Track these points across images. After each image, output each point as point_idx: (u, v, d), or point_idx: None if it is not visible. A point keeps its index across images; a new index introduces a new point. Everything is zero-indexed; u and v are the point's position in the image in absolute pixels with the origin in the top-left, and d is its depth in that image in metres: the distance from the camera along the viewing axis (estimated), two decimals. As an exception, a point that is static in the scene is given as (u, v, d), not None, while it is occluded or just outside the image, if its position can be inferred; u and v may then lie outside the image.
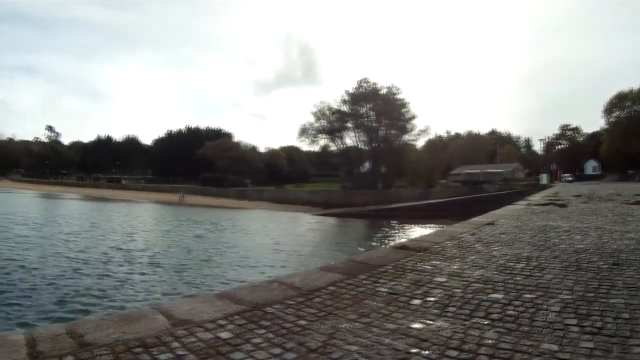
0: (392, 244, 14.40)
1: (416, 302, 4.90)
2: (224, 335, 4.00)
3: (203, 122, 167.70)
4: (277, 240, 29.27)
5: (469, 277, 5.92)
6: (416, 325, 4.11)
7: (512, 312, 4.44)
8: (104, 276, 16.15)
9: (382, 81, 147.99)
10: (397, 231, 39.42)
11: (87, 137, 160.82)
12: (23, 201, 59.62)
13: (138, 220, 41.55)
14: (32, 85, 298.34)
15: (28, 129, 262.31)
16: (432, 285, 5.52)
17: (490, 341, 3.68)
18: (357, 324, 4.19)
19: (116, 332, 4.26)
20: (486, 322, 4.17)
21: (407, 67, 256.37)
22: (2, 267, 16.77)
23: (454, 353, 3.46)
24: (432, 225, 38.30)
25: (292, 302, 4.95)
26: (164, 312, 4.80)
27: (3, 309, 11.64)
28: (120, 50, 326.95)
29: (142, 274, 16.94)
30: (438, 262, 6.84)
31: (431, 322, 4.19)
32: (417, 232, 36.33)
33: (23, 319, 10.74)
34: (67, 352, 3.88)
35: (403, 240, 12.81)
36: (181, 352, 3.66)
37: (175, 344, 3.84)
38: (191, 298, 6.39)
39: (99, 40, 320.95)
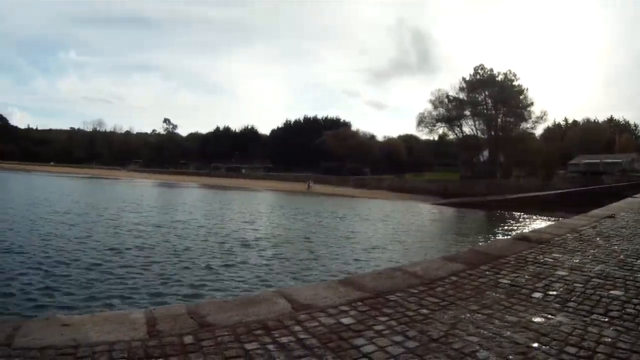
0: (512, 234, 14.02)
1: (537, 295, 4.84)
2: (346, 321, 4.08)
3: (320, 112, 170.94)
4: (397, 229, 29.07)
5: (589, 271, 5.77)
6: (537, 319, 4.08)
7: (631, 311, 4.31)
8: (222, 259, 16.59)
9: (498, 67, 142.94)
10: (516, 222, 38.23)
11: (205, 129, 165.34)
12: (141, 190, 62.46)
13: (262, 207, 42.58)
14: (148, 82, 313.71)
15: (145, 123, 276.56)
16: (553, 279, 5.43)
17: (608, 339, 3.61)
18: (478, 315, 4.21)
19: (238, 314, 4.41)
20: (605, 320, 4.08)
21: (520, 51, 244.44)
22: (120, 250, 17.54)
23: (572, 350, 3.42)
24: (552, 216, 36.90)
25: (415, 291, 4.98)
26: (286, 296, 4.93)
27: (129, 288, 12.14)
28: (236, 45, 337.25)
29: (263, 258, 17.24)
30: (559, 255, 6.69)
31: (551, 317, 4.14)
32: (536, 223, 35.17)
33: (141, 300, 11.10)
34: (187, 332, 4.06)
35: (523, 231, 12.42)
36: (303, 336, 3.76)
37: (297, 328, 3.96)
38: (314, 284, 6.48)
39: (214, 36, 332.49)
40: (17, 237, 19.07)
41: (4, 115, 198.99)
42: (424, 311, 4.27)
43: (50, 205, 34.17)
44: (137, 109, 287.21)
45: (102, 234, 20.95)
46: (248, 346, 3.60)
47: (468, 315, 4.16)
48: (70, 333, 4.44)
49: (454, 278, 5.43)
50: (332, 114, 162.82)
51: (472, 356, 3.32)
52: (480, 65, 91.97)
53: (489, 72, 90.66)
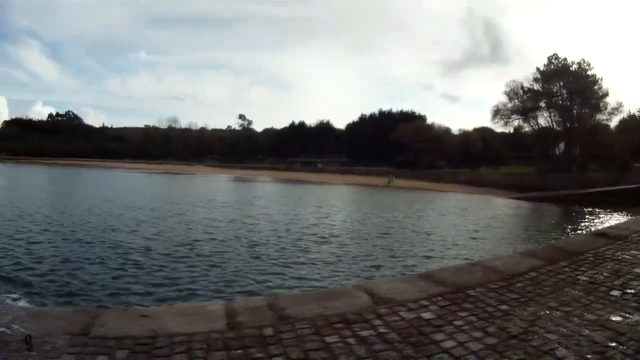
0: (589, 230, 13.64)
1: (615, 293, 4.74)
2: (426, 315, 4.10)
3: (394, 106, 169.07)
4: (474, 224, 28.54)
5: (668, 269, 5.56)
6: (615, 318, 4.00)
7: None
8: (298, 253, 16.61)
9: (571, 56, 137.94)
10: (592, 217, 36.91)
11: (279, 125, 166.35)
12: (216, 185, 63.38)
13: (339, 201, 42.51)
14: (219, 80, 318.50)
15: (219, 120, 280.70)
16: (631, 277, 5.29)
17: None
18: (557, 312, 4.17)
19: (317, 307, 4.47)
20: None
21: (592, 38, 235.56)
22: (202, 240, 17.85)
23: (649, 350, 3.33)
24: (629, 212, 35.63)
25: (494, 286, 4.97)
26: (367, 289, 4.98)
27: (206, 281, 12.33)
28: (306, 40, 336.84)
29: (341, 251, 17.22)
30: (637, 252, 6.46)
31: (629, 316, 4.06)
32: (613, 218, 34.04)
33: (217, 292, 11.24)
34: (267, 324, 4.13)
35: (601, 227, 12.08)
36: (383, 330, 3.79)
37: (377, 322, 3.99)
38: (393, 278, 6.49)
39: (283, 33, 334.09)
40: (98, 230, 19.85)
41: (79, 115, 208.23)
42: (504, 307, 4.26)
43: (125, 200, 35.23)
44: (209, 106, 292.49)
45: (181, 228, 21.39)
46: (328, 339, 3.64)
47: (547, 312, 4.12)
48: (149, 324, 4.60)
49: (533, 274, 5.38)
50: (406, 107, 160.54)
51: (550, 354, 3.30)
52: (554, 55, 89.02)
53: (562, 62, 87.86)
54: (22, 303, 9.65)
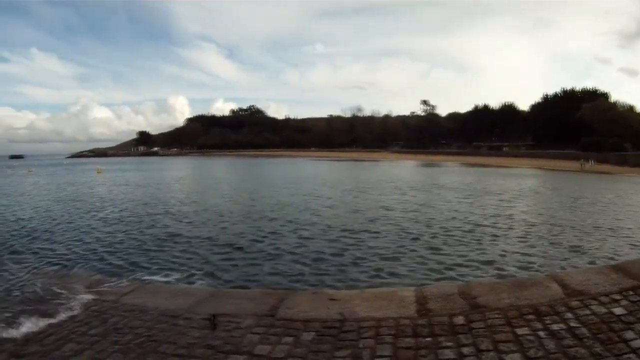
0: None
1: None
2: (618, 311, 3.97)
3: (574, 83, 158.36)
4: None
5: None
6: None
7: None
8: (485, 238, 16.04)
9: None
10: None
11: (463, 108, 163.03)
12: (400, 171, 63.31)
13: (525, 185, 40.52)
14: (398, 66, 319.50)
15: (402, 107, 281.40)
16: None
17: None
18: None
19: (509, 297, 4.51)
20: None
21: None
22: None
23: None
24: None
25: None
26: (558, 280, 4.92)
27: (397, 265, 12.30)
28: (478, 20, 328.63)
29: (526, 237, 16.44)
30: None
31: None
32: None
33: (403, 277, 11.16)
34: (458, 313, 4.23)
35: None
36: (574, 324, 3.76)
37: (568, 315, 3.96)
38: (584, 268, 6.24)
39: (458, 13, 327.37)
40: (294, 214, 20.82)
41: (261, 109, 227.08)
42: None
43: (317, 186, 36.65)
44: (391, 93, 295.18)
45: (370, 212, 21.39)
46: (519, 331, 3.69)
47: None
48: (337, 307, 4.90)
49: None
50: (587, 84, 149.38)
51: None
52: None
53: None
54: (205, 284, 10.17)
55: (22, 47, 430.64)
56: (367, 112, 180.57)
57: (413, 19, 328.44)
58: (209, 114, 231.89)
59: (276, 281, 10.78)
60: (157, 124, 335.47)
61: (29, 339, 4.99)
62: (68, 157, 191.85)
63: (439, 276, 11.07)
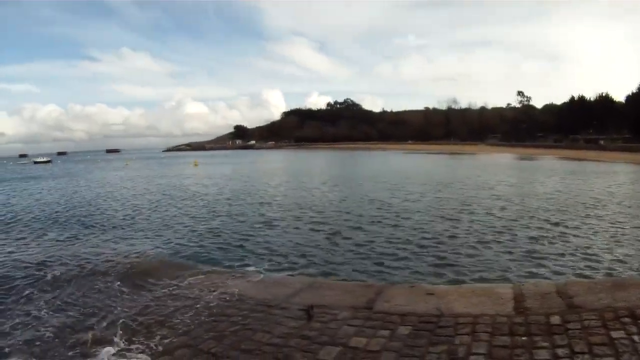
0: None
1: None
2: None
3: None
4: None
5: None
6: None
7: None
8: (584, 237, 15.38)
9: None
10: None
11: (558, 99, 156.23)
12: (496, 165, 61.44)
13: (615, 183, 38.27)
14: (490, 57, 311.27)
15: (498, 98, 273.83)
16: None
17: None
18: None
19: (607, 298, 4.41)
20: None
21: None
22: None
23: None
24: None
25: None
26: (658, 282, 4.74)
27: (487, 261, 12.05)
28: (566, 7, 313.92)
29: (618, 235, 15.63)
30: None
31: None
32: None
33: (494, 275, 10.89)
34: (555, 312, 4.20)
35: None
36: (669, 330, 3.61)
37: (666, 320, 3.79)
38: None
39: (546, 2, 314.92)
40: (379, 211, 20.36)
41: (356, 102, 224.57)
42: None
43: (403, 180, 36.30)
44: (485, 84, 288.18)
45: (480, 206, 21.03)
46: (614, 334, 3.62)
47: None
48: (434, 302, 4.97)
49: None
50: None
51: None
52: None
53: None
54: (304, 275, 9.97)
55: (113, 47, 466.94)
56: (461, 104, 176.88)
57: (504, 9, 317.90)
58: (305, 108, 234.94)
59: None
60: (252, 118, 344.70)
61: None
62: (164, 151, 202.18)
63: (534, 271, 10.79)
